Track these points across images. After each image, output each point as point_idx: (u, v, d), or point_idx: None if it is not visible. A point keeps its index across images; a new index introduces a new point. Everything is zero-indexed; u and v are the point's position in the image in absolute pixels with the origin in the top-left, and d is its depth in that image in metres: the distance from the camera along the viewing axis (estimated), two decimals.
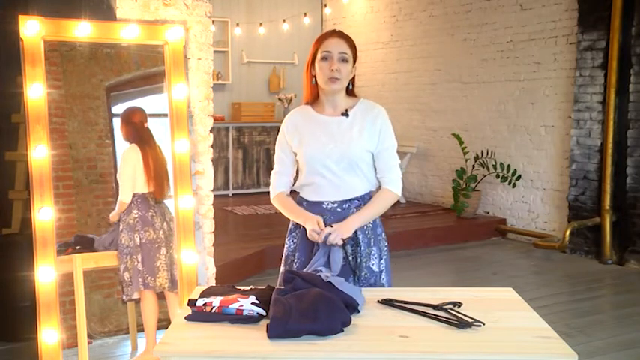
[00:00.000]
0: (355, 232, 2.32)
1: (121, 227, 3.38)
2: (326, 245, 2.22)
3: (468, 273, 5.77)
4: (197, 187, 3.63)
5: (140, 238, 3.36)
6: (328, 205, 2.35)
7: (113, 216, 3.42)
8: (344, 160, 2.32)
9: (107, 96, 3.59)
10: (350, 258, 2.32)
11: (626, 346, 3.92)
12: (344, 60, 2.31)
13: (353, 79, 2.41)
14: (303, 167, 2.39)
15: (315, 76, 2.36)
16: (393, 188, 2.38)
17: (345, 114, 2.35)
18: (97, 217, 3.55)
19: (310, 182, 2.37)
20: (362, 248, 2.33)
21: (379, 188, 2.42)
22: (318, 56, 2.33)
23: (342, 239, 2.23)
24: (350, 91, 2.41)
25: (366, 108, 2.39)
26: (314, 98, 2.41)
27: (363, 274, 2.32)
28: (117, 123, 3.52)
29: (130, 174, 3.37)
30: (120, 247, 3.36)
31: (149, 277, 3.39)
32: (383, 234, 2.45)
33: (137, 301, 3.46)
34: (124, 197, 3.38)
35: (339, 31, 2.41)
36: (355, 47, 2.38)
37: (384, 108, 2.43)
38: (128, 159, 3.39)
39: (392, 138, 2.40)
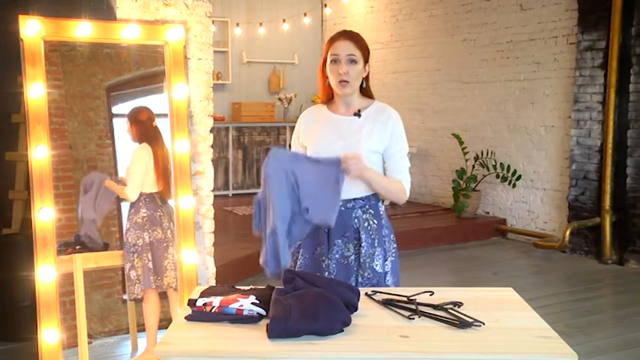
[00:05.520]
0: (358, 232, 2.33)
1: (127, 226, 3.37)
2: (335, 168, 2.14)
3: (468, 273, 5.77)
4: (197, 187, 3.63)
5: (149, 237, 3.36)
6: None
7: (110, 185, 3.42)
8: None
9: (107, 96, 3.59)
10: (352, 257, 2.32)
11: (626, 346, 3.92)
12: (352, 61, 2.31)
13: (367, 78, 2.41)
14: None
15: (328, 78, 2.37)
16: (405, 184, 2.36)
17: (358, 114, 2.36)
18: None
19: None
20: (365, 249, 2.33)
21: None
22: (328, 59, 2.34)
23: (351, 174, 2.15)
24: (364, 91, 2.42)
25: (379, 110, 2.40)
26: (329, 99, 2.43)
27: (365, 274, 2.32)
28: (117, 123, 3.52)
29: (141, 172, 3.36)
30: (126, 245, 3.36)
31: (157, 277, 3.39)
32: (391, 235, 2.45)
33: (137, 301, 3.46)
34: (132, 194, 3.35)
35: (348, 32, 2.39)
36: (365, 46, 2.36)
37: (396, 111, 2.43)
38: (140, 157, 3.37)
39: (403, 141, 2.41)
